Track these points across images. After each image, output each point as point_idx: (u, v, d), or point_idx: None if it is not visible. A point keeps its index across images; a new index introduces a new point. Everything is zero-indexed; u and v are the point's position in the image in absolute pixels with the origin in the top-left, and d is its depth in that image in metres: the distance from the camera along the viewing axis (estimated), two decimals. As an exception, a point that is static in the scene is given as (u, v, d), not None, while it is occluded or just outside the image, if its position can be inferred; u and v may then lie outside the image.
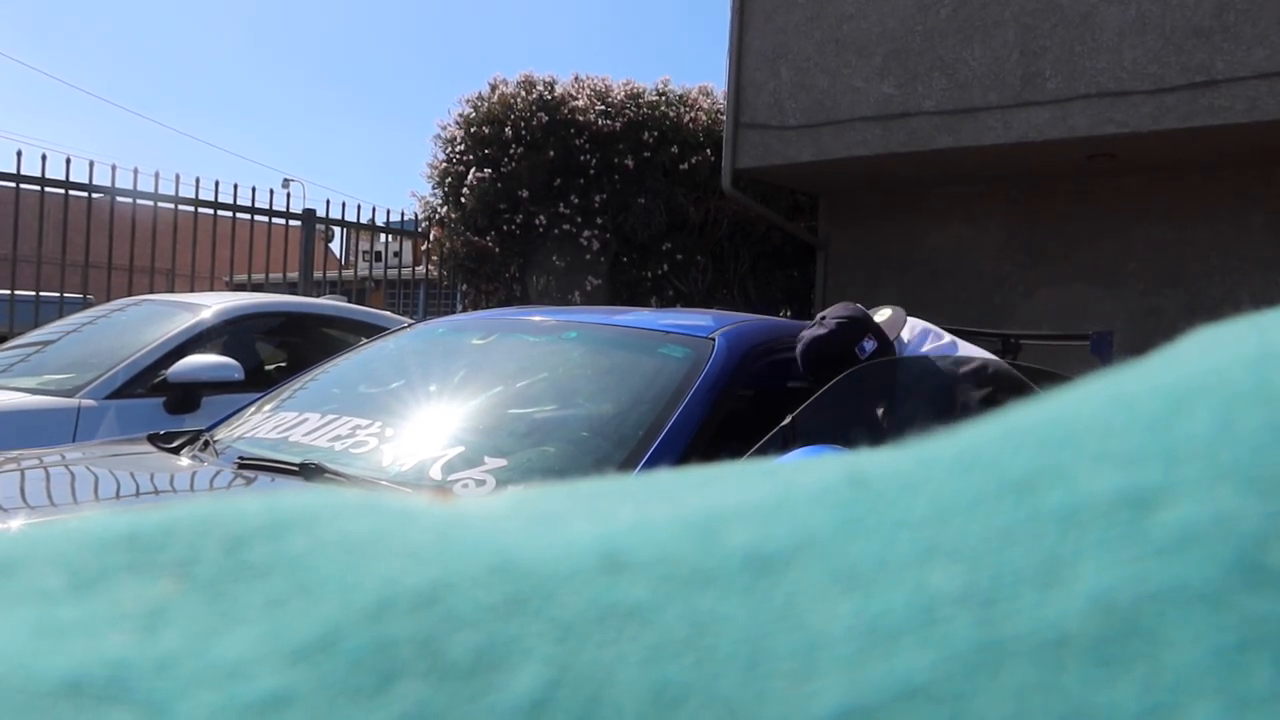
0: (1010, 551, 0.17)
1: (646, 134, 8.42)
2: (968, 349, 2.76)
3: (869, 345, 2.56)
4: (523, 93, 8.60)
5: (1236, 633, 0.15)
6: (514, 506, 0.23)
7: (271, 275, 8.76)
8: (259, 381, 4.05)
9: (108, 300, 5.35)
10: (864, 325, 2.60)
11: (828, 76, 6.81)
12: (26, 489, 2.26)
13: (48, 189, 7.31)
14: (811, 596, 0.17)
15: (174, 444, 2.72)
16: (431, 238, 9.04)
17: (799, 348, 2.58)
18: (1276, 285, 6.03)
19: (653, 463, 2.18)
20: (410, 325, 3.76)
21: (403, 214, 10.19)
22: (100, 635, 0.18)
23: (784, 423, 2.32)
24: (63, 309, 6.94)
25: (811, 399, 2.40)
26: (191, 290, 8.10)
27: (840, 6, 6.76)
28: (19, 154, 7.14)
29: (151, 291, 7.33)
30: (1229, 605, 0.15)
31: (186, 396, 3.97)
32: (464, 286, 9.11)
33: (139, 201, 7.66)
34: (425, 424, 2.51)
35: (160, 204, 7.76)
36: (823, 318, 2.65)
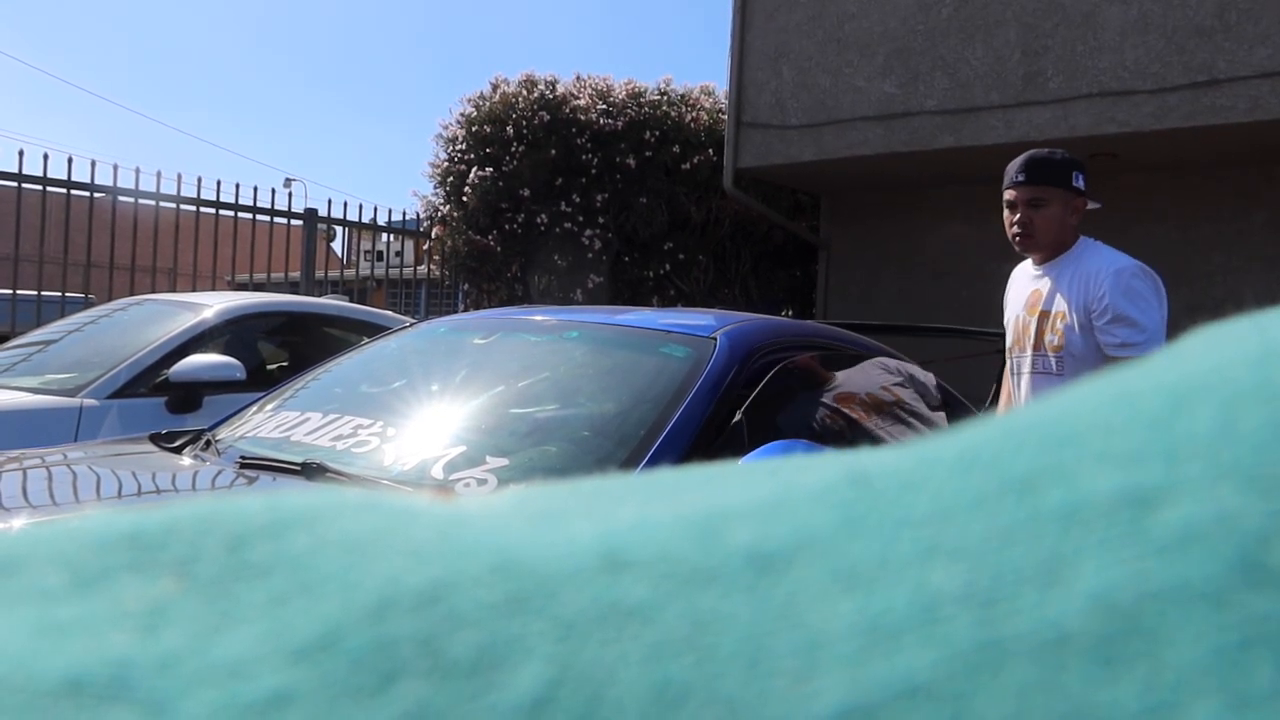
0: (1011, 551, 0.17)
1: (648, 133, 8.42)
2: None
3: (1081, 179, 2.75)
4: (524, 92, 8.60)
5: (1238, 632, 0.15)
6: (515, 505, 0.23)
7: (273, 275, 8.76)
8: (261, 381, 4.05)
9: (109, 300, 5.36)
10: (1083, 165, 2.79)
11: (829, 76, 6.81)
12: (28, 488, 2.26)
13: (50, 188, 7.31)
14: (813, 595, 0.17)
15: (176, 443, 2.72)
16: (433, 237, 9.05)
17: (1026, 153, 2.78)
18: (1278, 284, 6.03)
19: (654, 462, 2.19)
20: (412, 325, 3.76)
21: (404, 213, 10.20)
22: (102, 634, 0.18)
23: (735, 419, 2.34)
24: (64, 308, 6.94)
25: (753, 394, 2.42)
26: (193, 290, 8.11)
27: (842, 6, 6.76)
28: (21, 153, 7.14)
29: (153, 291, 7.33)
30: (1231, 604, 0.15)
31: (188, 396, 3.98)
32: (465, 286, 9.12)
33: (141, 201, 7.66)
34: (427, 423, 2.51)
35: (162, 203, 7.76)
36: None
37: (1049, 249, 2.77)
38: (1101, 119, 5.77)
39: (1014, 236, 2.77)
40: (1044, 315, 2.77)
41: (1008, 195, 2.76)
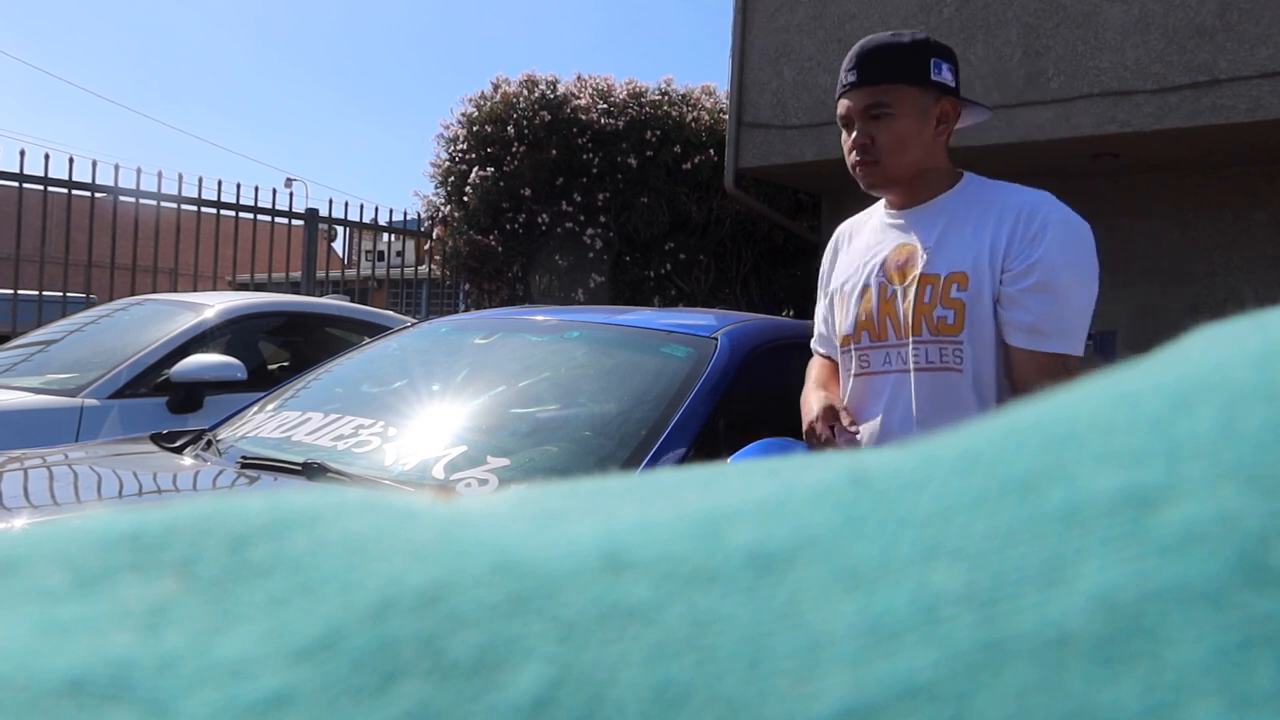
0: (1012, 551, 0.17)
1: (649, 133, 8.42)
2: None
3: (946, 70, 1.88)
4: (525, 92, 8.60)
5: (1239, 632, 0.15)
6: (516, 505, 0.23)
7: (274, 275, 8.77)
8: (262, 381, 4.06)
9: (110, 300, 5.37)
10: (948, 52, 1.93)
11: (830, 76, 6.80)
12: (30, 488, 2.26)
13: (51, 188, 7.32)
14: (814, 596, 0.17)
15: (177, 443, 2.72)
16: (434, 237, 9.05)
17: (861, 41, 1.93)
18: (1279, 284, 6.03)
19: (655, 462, 2.19)
20: (413, 325, 3.76)
21: (405, 213, 10.22)
22: (103, 634, 0.18)
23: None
24: (66, 308, 6.95)
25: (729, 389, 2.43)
26: (194, 290, 8.12)
27: (843, 6, 6.76)
28: (22, 153, 7.15)
29: (154, 291, 7.34)
30: (1231, 604, 0.15)
31: (189, 396, 3.98)
32: (467, 286, 9.12)
33: (142, 201, 7.67)
34: (428, 423, 2.51)
35: (163, 203, 7.77)
36: None
37: (907, 182, 1.88)
38: (1103, 119, 5.76)
39: (853, 166, 1.88)
40: (926, 282, 1.84)
41: (840, 107, 1.89)
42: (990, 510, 0.18)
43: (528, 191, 8.26)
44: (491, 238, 8.38)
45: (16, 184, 7.23)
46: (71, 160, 7.29)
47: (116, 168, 7.51)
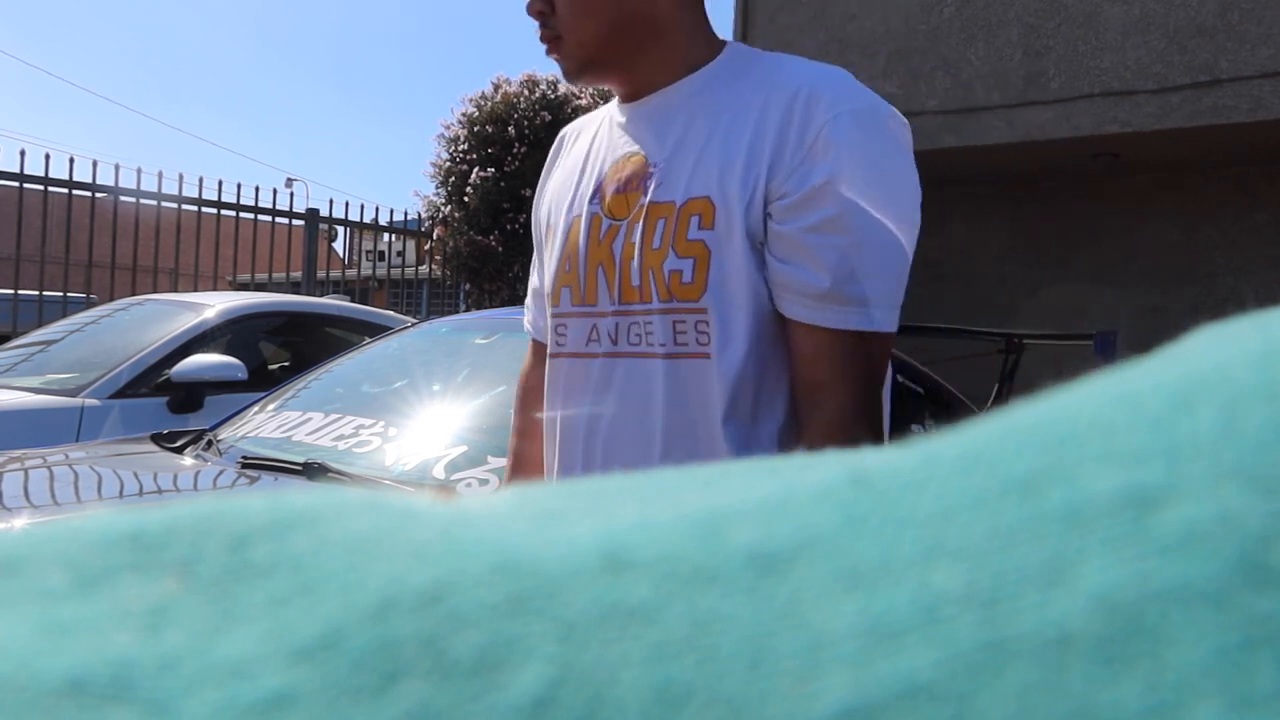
0: (1013, 551, 0.17)
1: (649, 133, 8.41)
2: None
3: None
4: (525, 92, 8.61)
5: (1240, 632, 0.15)
6: (517, 505, 0.23)
7: (274, 275, 8.77)
8: (262, 381, 4.06)
9: (111, 300, 5.37)
10: None
11: (831, 76, 6.81)
12: (30, 488, 2.26)
13: (51, 188, 7.32)
14: (815, 595, 0.17)
15: (177, 443, 2.72)
16: (435, 237, 9.06)
17: None
18: (1280, 284, 6.02)
19: (656, 462, 2.18)
20: (413, 325, 3.76)
21: (405, 213, 10.22)
22: (103, 634, 0.18)
23: None
24: (66, 308, 6.95)
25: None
26: (195, 290, 8.12)
27: (843, 6, 6.75)
28: (22, 153, 7.15)
29: (154, 291, 7.34)
30: (1233, 604, 0.15)
31: (190, 396, 3.98)
32: (467, 286, 9.12)
33: (142, 201, 7.67)
34: (428, 423, 2.51)
35: (163, 203, 7.77)
36: None
37: (618, 61, 1.30)
38: (1103, 119, 5.76)
39: (546, 50, 1.30)
40: (657, 215, 1.17)
41: None
42: (991, 510, 0.18)
43: (528, 192, 8.26)
44: (492, 238, 8.39)
45: (17, 184, 7.23)
46: (72, 160, 7.29)
47: (117, 168, 7.52)
